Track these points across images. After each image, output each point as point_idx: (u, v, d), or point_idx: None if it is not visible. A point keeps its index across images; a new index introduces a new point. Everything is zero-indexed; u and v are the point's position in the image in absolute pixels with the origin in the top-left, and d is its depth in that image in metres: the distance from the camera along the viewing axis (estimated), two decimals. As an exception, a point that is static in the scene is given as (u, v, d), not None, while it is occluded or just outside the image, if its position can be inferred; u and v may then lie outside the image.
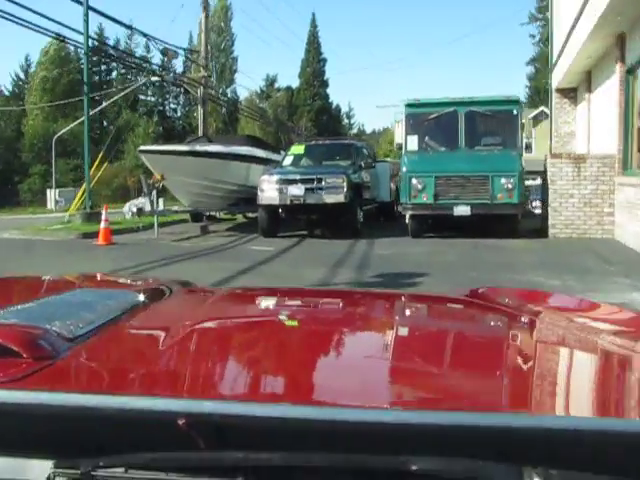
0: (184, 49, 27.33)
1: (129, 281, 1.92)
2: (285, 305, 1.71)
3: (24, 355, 0.87)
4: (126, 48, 57.08)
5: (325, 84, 65.96)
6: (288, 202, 15.08)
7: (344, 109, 70.75)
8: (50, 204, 41.74)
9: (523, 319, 1.44)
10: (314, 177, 15.20)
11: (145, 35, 23.79)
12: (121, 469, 0.69)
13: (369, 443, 0.69)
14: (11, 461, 0.72)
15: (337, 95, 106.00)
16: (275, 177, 15.55)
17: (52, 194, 41.28)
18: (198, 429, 0.70)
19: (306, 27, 65.57)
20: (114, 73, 59.93)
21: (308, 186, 15.06)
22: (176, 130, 57.57)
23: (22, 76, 56.72)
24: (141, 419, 0.72)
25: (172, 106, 66.90)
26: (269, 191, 15.26)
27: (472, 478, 0.66)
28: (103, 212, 15.35)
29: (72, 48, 45.25)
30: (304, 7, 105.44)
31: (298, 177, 15.37)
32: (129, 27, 24.26)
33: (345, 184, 15.03)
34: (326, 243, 14.69)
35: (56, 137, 39.79)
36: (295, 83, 64.35)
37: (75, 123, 35.86)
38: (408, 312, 1.69)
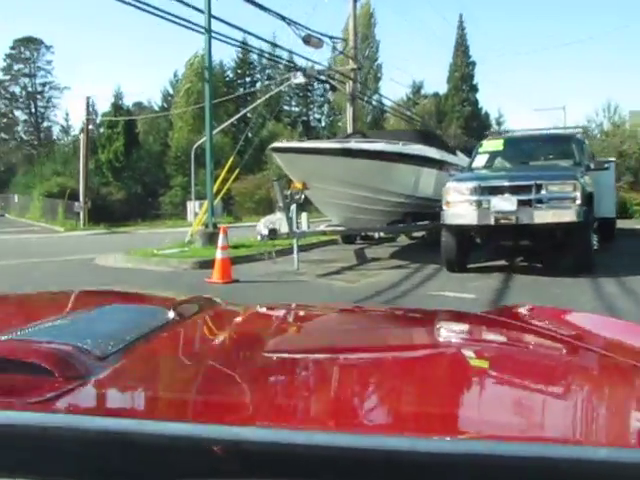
0: (330, 37, 22.83)
1: (158, 298, 1.86)
2: (318, 323, 1.71)
3: (54, 374, 0.85)
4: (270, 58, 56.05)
5: (474, 89, 61.86)
6: (492, 222, 10.09)
7: (493, 115, 65.09)
8: (189, 217, 40.28)
9: (562, 341, 1.36)
10: (531, 183, 10.00)
11: (284, 18, 19.59)
12: None
13: (405, 473, 0.68)
14: None
15: (487, 101, 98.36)
16: (469, 184, 10.61)
17: (191, 206, 39.95)
18: (233, 457, 0.69)
19: (453, 30, 61.87)
20: (258, 84, 59.48)
21: (522, 197, 9.94)
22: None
23: (170, 91, 58.19)
24: (173, 445, 0.70)
25: (316, 116, 65.95)
26: (460, 205, 10.31)
27: None
28: (220, 236, 10.96)
29: (217, 60, 44.23)
30: (450, 10, 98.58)
31: (506, 183, 10.30)
32: (282, 17, 20.00)
33: (578, 193, 9.79)
34: (552, 283, 9.54)
35: (195, 146, 38.10)
36: (442, 89, 61.40)
37: (216, 131, 34.44)
38: (439, 332, 1.61)
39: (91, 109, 60.60)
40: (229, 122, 33.96)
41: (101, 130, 48.48)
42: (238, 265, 11.37)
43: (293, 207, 11.74)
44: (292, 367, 1.20)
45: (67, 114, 75.84)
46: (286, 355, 1.29)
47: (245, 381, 1.05)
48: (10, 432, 0.73)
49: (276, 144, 12.29)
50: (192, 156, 38.27)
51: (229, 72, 57.28)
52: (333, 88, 24.01)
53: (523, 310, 1.66)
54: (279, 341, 1.47)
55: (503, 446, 0.69)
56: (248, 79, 59.09)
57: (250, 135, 50.21)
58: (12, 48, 73.50)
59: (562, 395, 1.02)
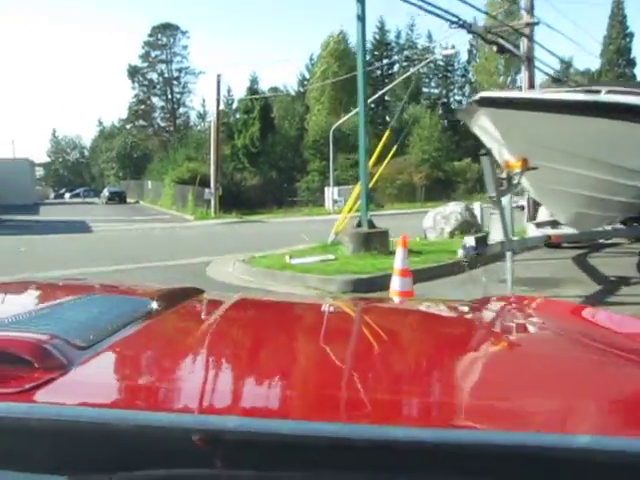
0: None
1: (141, 288, 1.86)
2: (302, 313, 1.73)
3: (34, 364, 0.85)
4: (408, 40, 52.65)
5: (632, 63, 56.18)
6: None
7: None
8: (327, 203, 37.22)
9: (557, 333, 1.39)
10: None
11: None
12: None
13: (388, 461, 0.68)
14: (23, 477, 0.71)
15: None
16: None
17: (329, 192, 36.98)
18: (216, 446, 0.69)
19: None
20: (396, 66, 56.99)
21: None
22: (462, 125, 50.43)
23: (307, 75, 57.19)
24: (157, 435, 0.71)
25: (457, 98, 61.86)
26: None
27: None
28: (399, 254, 6.71)
29: (352, 43, 43.33)
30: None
31: None
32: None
33: None
34: None
35: (333, 128, 35.32)
36: (595, 65, 55.18)
37: (351, 114, 34.07)
38: (425, 319, 1.66)
39: (226, 94, 60.47)
40: (354, 112, 30.76)
41: (237, 116, 46.82)
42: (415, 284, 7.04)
43: (507, 199, 7.20)
44: (276, 356, 1.18)
45: (204, 100, 74.79)
46: (269, 346, 1.27)
47: (229, 370, 1.05)
48: None
49: (486, 94, 7.74)
50: (330, 138, 36.36)
51: (365, 55, 53.43)
52: (501, 50, 18.92)
53: (512, 300, 1.77)
54: (265, 330, 1.44)
55: (495, 435, 0.69)
56: (385, 61, 56.47)
57: (388, 119, 48.58)
58: (150, 35, 73.54)
59: (552, 384, 1.00)
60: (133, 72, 73.71)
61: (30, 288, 1.78)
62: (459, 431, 0.73)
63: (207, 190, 34.38)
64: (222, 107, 56.90)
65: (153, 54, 74.37)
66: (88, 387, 0.86)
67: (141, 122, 75.47)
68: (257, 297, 1.97)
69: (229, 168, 42.58)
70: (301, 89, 56.87)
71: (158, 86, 75.44)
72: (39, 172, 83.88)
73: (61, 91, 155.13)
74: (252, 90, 48.17)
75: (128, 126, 75.75)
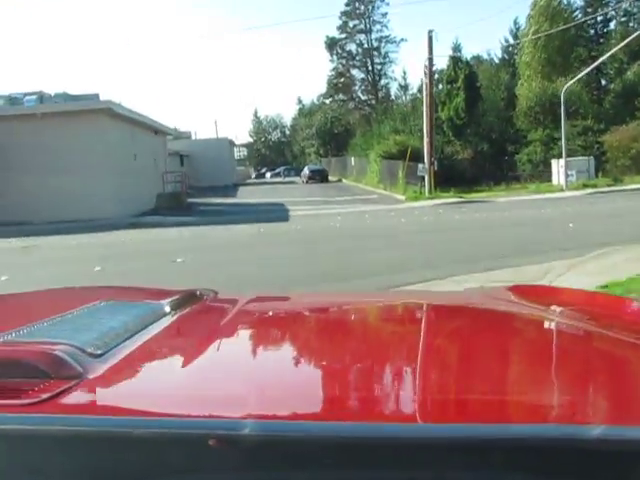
0: None
1: (153, 291, 1.89)
2: (318, 312, 1.73)
3: (50, 375, 0.85)
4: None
5: None
6: None
7: None
8: (556, 178, 31.15)
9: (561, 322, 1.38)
10: None
11: None
12: None
13: (410, 460, 0.69)
14: None
15: None
16: None
17: (558, 165, 30.83)
18: (235, 451, 0.70)
19: None
20: (612, 23, 49.00)
21: None
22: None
23: (511, 40, 52.74)
24: (176, 442, 0.71)
25: None
26: None
27: None
28: None
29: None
30: None
31: None
32: None
33: None
34: None
35: (564, 90, 29.54)
36: None
37: (573, 81, 32.41)
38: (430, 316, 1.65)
39: (427, 64, 55.63)
40: (591, 68, 29.61)
41: (440, 87, 42.53)
42: None
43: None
44: (290, 359, 1.19)
45: (404, 72, 70.31)
46: (284, 347, 1.30)
47: (244, 374, 1.04)
48: (5, 434, 0.73)
49: None
50: (562, 102, 30.59)
51: (578, 13, 46.48)
52: None
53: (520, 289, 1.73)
54: (278, 332, 1.46)
55: (500, 429, 0.70)
56: (600, 18, 47.97)
57: (604, 83, 42.06)
58: (347, 5, 69.99)
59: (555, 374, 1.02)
60: (331, 44, 70.89)
61: (42, 297, 1.81)
62: (470, 426, 0.72)
63: (420, 165, 29.69)
64: (424, 78, 53.58)
65: (351, 24, 70.97)
66: (105, 395, 0.87)
67: (341, 96, 72.69)
68: (271, 295, 1.97)
69: (439, 142, 37.94)
70: (505, 56, 52.38)
71: (357, 57, 72.14)
72: (242, 152, 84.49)
73: (262, 71, 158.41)
74: (455, 59, 43.00)
75: (328, 101, 73.22)
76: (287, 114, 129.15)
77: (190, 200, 28.98)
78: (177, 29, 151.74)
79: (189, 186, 33.08)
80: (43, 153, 19.57)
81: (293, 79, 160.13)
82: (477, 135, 43.40)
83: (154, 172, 27.62)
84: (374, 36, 70.52)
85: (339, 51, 71.54)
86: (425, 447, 0.68)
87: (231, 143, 55.71)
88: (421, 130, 41.08)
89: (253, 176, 72.00)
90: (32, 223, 19.00)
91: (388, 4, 71.18)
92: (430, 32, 30.28)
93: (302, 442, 0.69)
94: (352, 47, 71.52)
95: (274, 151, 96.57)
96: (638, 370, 1.03)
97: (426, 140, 30.16)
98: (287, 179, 59.28)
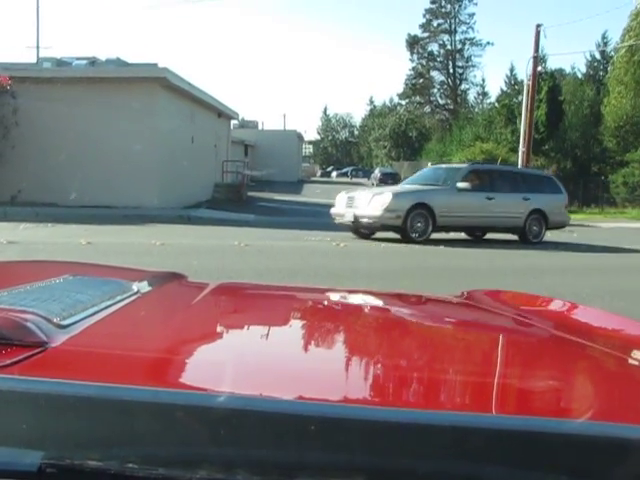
0: None
1: (122, 270, 1.89)
2: (289, 300, 1.81)
3: (11, 341, 0.84)
4: None
5: None
6: None
7: None
8: None
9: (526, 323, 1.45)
10: None
11: None
12: (116, 462, 0.68)
13: (372, 442, 0.69)
14: (0, 451, 0.70)
15: None
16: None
17: None
18: (198, 423, 0.70)
19: None
20: None
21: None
22: None
23: (597, 56, 51.68)
24: (139, 411, 0.71)
25: None
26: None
27: None
28: None
29: None
30: None
31: None
32: None
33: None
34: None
35: None
36: None
37: None
38: (416, 313, 1.72)
39: (509, 73, 52.04)
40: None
41: (519, 98, 39.23)
42: None
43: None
44: (261, 335, 1.24)
45: (483, 79, 66.20)
46: (255, 324, 1.34)
47: (211, 347, 1.08)
48: None
49: None
50: None
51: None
52: None
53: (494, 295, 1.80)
54: (249, 311, 1.53)
55: (483, 419, 0.72)
56: None
57: None
58: (432, 2, 66.42)
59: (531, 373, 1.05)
60: (412, 42, 67.56)
61: (8, 268, 1.79)
62: (455, 414, 0.74)
63: (513, 178, 25.89)
64: (504, 87, 50.54)
65: (435, 23, 67.51)
66: (69, 363, 0.88)
67: (418, 98, 69.17)
68: (239, 283, 2.10)
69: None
70: (590, 71, 50.63)
71: (439, 59, 68.59)
72: (308, 149, 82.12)
73: (334, 67, 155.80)
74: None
75: (403, 102, 69.75)
76: (357, 114, 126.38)
77: (250, 194, 25.94)
78: (250, 15, 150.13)
79: (250, 178, 30.05)
80: (83, 124, 16.44)
81: (366, 79, 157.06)
82: (560, 152, 40.88)
83: (213, 159, 24.43)
84: (458, 37, 66.86)
85: (420, 51, 68.39)
86: (400, 431, 0.68)
87: (299, 137, 52.70)
88: (506, 140, 38.53)
89: (318, 174, 69.10)
90: (56, 205, 15.91)
91: (476, 4, 67.47)
92: (538, 26, 26.53)
93: (271, 418, 0.69)
94: (434, 47, 68.19)
95: (341, 150, 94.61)
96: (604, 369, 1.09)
97: (522, 150, 26.56)
98: (354, 180, 56.03)
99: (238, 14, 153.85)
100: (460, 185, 14.31)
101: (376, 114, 78.81)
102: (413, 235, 13.50)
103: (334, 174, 66.89)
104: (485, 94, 65.41)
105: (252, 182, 29.69)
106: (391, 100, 77.47)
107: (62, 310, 0.98)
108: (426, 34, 67.50)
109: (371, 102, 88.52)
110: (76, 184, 16.26)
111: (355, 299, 1.83)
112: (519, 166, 25.82)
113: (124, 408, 0.70)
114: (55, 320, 0.93)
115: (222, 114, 25.58)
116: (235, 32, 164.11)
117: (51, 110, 16.32)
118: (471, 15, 66.19)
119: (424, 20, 67.03)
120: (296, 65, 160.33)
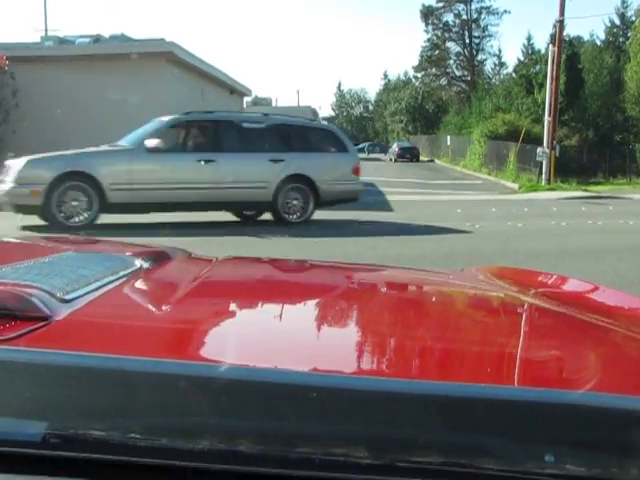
0: None
1: (126, 246, 1.87)
2: (288, 273, 1.82)
3: (16, 315, 0.85)
4: None
5: None
6: None
7: None
8: None
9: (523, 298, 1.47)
10: None
11: None
12: (119, 432, 0.68)
13: (364, 411, 0.70)
14: (4, 421, 0.70)
15: None
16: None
17: None
18: (200, 394, 0.71)
19: None
20: None
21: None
22: None
23: (616, 21, 49.74)
24: (141, 381, 0.72)
25: None
26: None
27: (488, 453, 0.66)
28: None
29: None
30: None
31: None
32: None
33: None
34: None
35: None
36: None
37: None
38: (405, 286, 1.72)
39: (526, 42, 50.52)
40: None
41: (537, 68, 38.04)
42: None
43: None
44: (266, 309, 1.24)
45: (499, 50, 64.49)
46: (261, 298, 1.34)
47: (218, 321, 1.08)
48: None
49: None
50: None
51: None
52: None
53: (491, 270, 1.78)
54: (255, 284, 1.54)
55: (481, 389, 0.72)
56: None
57: None
58: (449, -30, 64.42)
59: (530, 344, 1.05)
60: (427, 13, 65.75)
61: (10, 244, 1.81)
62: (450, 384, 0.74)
63: (540, 149, 24.92)
64: (522, 57, 49.00)
65: (451, -8, 65.47)
66: (72, 336, 0.88)
67: (433, 70, 67.54)
68: (247, 257, 2.03)
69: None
70: (610, 38, 48.83)
71: (454, 29, 66.71)
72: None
73: (348, 42, 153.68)
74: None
75: (419, 75, 68.15)
76: (371, 89, 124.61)
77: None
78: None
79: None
80: (86, 105, 15.49)
81: (380, 53, 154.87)
82: (580, 121, 39.46)
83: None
84: (474, 6, 64.98)
85: (435, 21, 66.47)
86: (401, 402, 0.69)
87: (314, 113, 51.51)
88: (529, 110, 37.30)
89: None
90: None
91: (492, -29, 65.56)
92: (563, -11, 25.17)
93: (272, 389, 0.70)
94: (449, 18, 66.29)
95: (356, 126, 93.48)
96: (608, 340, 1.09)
97: (547, 119, 25.31)
98: (371, 155, 54.85)
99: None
100: (149, 144, 9.95)
101: (391, 88, 77.31)
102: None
103: (350, 150, 65.62)
104: (502, 64, 63.86)
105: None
106: (405, 74, 76.11)
107: (65, 285, 0.98)
108: (441, 4, 65.61)
109: (385, 76, 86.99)
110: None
111: (358, 273, 1.83)
112: (545, 136, 24.73)
113: (126, 379, 0.71)
114: (58, 294, 0.93)
115: (234, 91, 24.56)
116: (247, 8, 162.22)
117: (53, 91, 15.41)
118: (487, -18, 64.42)
119: (439, -11, 65.31)
120: (309, 40, 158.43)
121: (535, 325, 1.23)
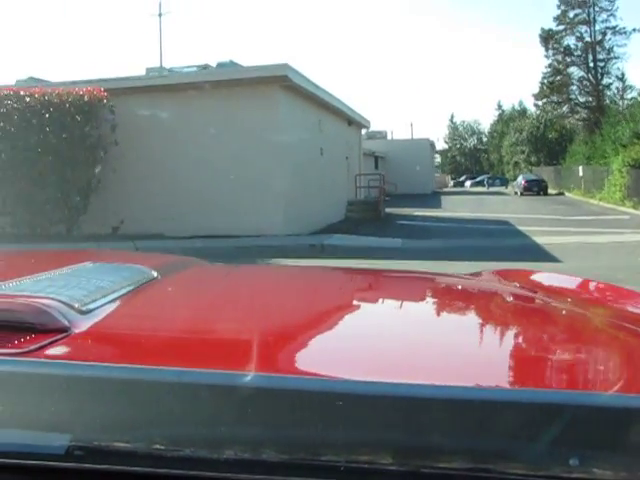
0: None
1: (141, 256, 1.90)
2: (301, 279, 1.76)
3: (34, 327, 0.86)
4: None
5: None
6: None
7: None
8: None
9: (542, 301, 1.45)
10: None
11: None
12: (143, 444, 0.68)
13: (382, 417, 0.69)
14: (29, 434, 0.71)
15: None
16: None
17: None
18: (224, 403, 0.71)
19: None
20: None
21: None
22: None
23: None
24: (164, 392, 0.72)
25: None
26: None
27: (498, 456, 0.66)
28: None
29: None
30: None
31: None
32: None
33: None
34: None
35: None
36: None
37: None
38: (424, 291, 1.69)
39: None
40: None
41: None
42: None
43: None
44: (276, 316, 1.21)
45: (622, 74, 59.83)
46: (277, 305, 1.32)
47: (235, 329, 1.06)
48: None
49: None
50: None
51: None
52: None
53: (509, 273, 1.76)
54: (271, 292, 1.51)
55: (497, 392, 0.72)
56: None
57: None
58: (567, -9, 60.74)
59: (549, 347, 1.04)
60: (547, 37, 62.05)
61: (29, 256, 1.77)
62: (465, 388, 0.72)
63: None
64: None
65: (571, 14, 61.61)
66: (92, 348, 0.87)
67: (555, 97, 63.61)
68: (262, 266, 2.02)
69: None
70: None
71: (576, 52, 62.58)
72: (436, 159, 78.70)
73: (459, 73, 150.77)
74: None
75: (540, 102, 64.44)
76: (484, 120, 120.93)
77: (386, 210, 22.72)
78: (365, 18, 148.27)
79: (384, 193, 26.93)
80: (192, 140, 13.69)
81: (493, 83, 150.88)
82: None
83: (345, 173, 21.37)
84: (598, 27, 60.77)
85: (555, 46, 62.56)
86: (425, 408, 0.68)
87: (432, 146, 49.13)
88: None
89: (450, 184, 65.29)
90: (162, 236, 13.19)
91: (618, -11, 61.45)
92: None
93: (296, 396, 0.69)
94: (571, 41, 62.26)
95: (470, 158, 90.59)
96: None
97: None
98: (492, 189, 51.70)
99: (357, 15, 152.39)
100: None
101: (505, 119, 74.58)
102: None
103: (468, 183, 62.91)
104: (628, 87, 59.26)
105: (386, 197, 26.48)
106: (520, 103, 73.13)
107: (83, 296, 0.99)
108: (561, 27, 61.90)
109: (499, 107, 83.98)
110: (186, 211, 13.55)
111: (372, 278, 1.82)
112: None
113: (148, 389, 0.70)
114: (77, 306, 0.93)
115: (352, 122, 22.49)
116: (354, 37, 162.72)
117: (155, 125, 13.77)
118: (611, 1, 60.13)
119: (559, 12, 61.56)
120: (421, 72, 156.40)
121: (557, 328, 1.20)
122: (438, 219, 22.14)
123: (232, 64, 16.58)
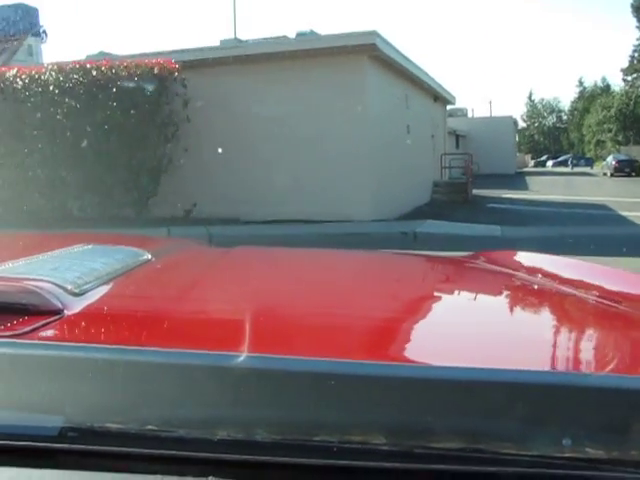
0: None
1: (136, 238, 1.86)
2: (302, 260, 1.75)
3: (29, 309, 0.87)
4: None
5: None
6: None
7: None
8: None
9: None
10: None
11: None
12: (135, 424, 0.69)
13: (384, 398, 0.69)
14: (22, 415, 0.71)
15: None
16: None
17: None
18: (217, 383, 0.71)
19: None
20: None
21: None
22: None
23: None
24: (156, 372, 0.72)
25: None
26: None
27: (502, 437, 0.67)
28: None
29: None
30: None
31: None
32: None
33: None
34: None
35: None
36: None
37: None
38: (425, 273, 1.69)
39: None
40: None
41: None
42: None
43: None
44: (273, 297, 1.20)
45: None
46: (272, 286, 1.31)
47: (226, 311, 1.06)
48: None
49: None
50: None
51: None
52: None
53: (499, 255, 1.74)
54: (265, 273, 1.50)
55: (498, 373, 0.71)
56: None
57: None
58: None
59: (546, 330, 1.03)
60: (639, 7, 58.31)
61: (22, 239, 1.77)
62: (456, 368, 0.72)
63: None
64: None
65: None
66: (85, 329, 0.88)
67: (644, 72, 59.87)
68: (258, 248, 1.96)
69: None
70: None
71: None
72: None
73: (539, 49, 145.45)
74: None
75: (629, 78, 60.80)
76: (565, 97, 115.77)
77: (473, 192, 21.18)
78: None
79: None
80: (270, 115, 12.33)
81: (573, 59, 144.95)
82: None
83: (431, 152, 19.78)
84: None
85: (647, 17, 58.75)
86: (418, 388, 0.68)
87: (515, 124, 46.77)
88: None
89: (531, 164, 62.60)
90: (238, 221, 12.11)
91: None
92: None
93: (288, 377, 0.69)
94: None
95: (549, 137, 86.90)
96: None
97: None
98: (576, 170, 49.03)
99: None
100: None
101: (587, 96, 70.84)
102: None
103: (550, 163, 60.08)
104: None
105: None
106: (603, 80, 69.52)
107: (76, 278, 0.99)
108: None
109: (580, 84, 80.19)
110: (263, 192, 12.41)
111: (369, 260, 1.81)
112: None
113: (141, 370, 0.71)
114: (70, 288, 0.93)
115: (438, 98, 20.90)
116: (435, 11, 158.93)
117: (230, 100, 12.62)
118: None
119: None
120: (499, 48, 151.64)
121: (552, 310, 1.20)
122: (530, 202, 20.42)
123: (313, 34, 15.27)
